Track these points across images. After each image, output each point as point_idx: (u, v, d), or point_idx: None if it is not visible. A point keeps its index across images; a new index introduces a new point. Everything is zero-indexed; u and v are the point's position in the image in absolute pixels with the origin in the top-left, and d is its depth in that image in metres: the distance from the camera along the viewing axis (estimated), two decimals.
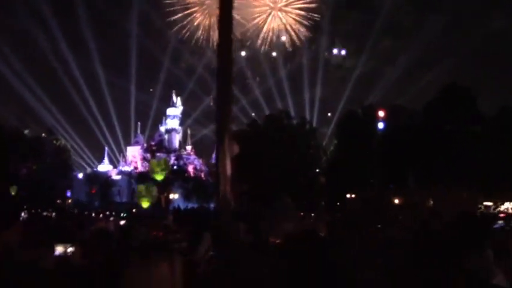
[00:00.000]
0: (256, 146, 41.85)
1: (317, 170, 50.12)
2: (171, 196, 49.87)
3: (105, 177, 69.00)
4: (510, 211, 30.01)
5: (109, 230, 5.43)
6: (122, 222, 12.36)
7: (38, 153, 50.82)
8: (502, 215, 15.01)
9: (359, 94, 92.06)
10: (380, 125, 29.33)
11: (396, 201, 35.94)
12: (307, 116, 63.16)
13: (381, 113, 29.24)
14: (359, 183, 37.35)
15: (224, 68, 6.16)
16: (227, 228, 6.08)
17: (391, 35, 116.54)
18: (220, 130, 5.97)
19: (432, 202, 28.32)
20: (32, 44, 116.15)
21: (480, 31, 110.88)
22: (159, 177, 49.66)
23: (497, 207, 31.65)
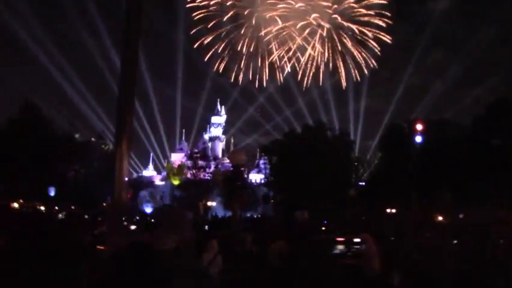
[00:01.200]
0: (293, 156, 41.66)
1: (360, 184, 49.39)
2: (209, 203, 50.22)
3: (145, 183, 70.62)
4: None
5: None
6: (132, 227, 12.63)
7: (86, 157, 52.45)
8: (340, 239, 14.06)
9: (407, 108, 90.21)
10: (418, 139, 28.48)
11: (440, 218, 34.82)
12: (352, 129, 62.60)
13: (419, 126, 28.40)
14: (399, 197, 36.48)
15: (127, 69, 6.22)
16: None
17: (440, 48, 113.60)
18: (119, 133, 6.09)
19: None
20: (86, 52, 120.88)
21: None
22: (176, 181, 49.38)
23: None
